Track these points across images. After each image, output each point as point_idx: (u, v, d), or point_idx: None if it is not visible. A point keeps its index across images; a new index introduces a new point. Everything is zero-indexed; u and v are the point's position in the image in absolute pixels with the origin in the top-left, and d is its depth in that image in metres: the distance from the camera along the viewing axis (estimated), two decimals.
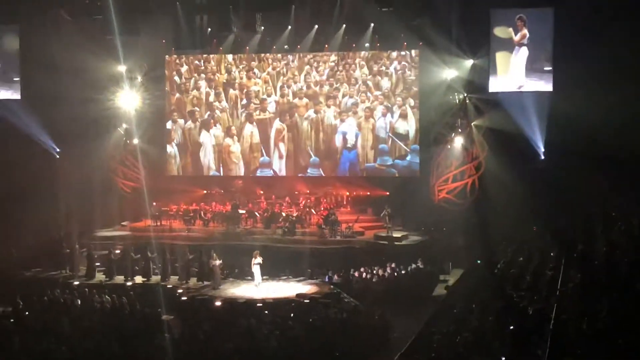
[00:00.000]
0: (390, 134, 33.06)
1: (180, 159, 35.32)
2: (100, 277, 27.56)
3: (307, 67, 33.89)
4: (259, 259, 25.88)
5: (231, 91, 34.67)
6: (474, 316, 17.66)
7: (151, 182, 33.24)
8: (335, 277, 26.63)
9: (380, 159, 33.46)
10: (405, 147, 32.98)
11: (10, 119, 32.31)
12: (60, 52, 31.26)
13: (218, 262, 26.11)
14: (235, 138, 34.66)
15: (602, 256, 21.23)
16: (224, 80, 34.69)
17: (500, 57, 30.13)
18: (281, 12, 33.20)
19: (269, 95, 34.31)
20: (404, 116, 32.94)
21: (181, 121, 35.17)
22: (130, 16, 31.77)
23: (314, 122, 33.97)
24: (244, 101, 34.57)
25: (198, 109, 34.99)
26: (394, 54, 33.03)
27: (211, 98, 34.86)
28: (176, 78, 35.16)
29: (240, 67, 34.56)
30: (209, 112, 34.88)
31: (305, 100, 33.95)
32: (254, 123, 34.51)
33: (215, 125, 34.84)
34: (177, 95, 35.19)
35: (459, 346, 15.59)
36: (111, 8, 30.52)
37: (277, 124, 34.32)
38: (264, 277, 26.18)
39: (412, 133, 32.98)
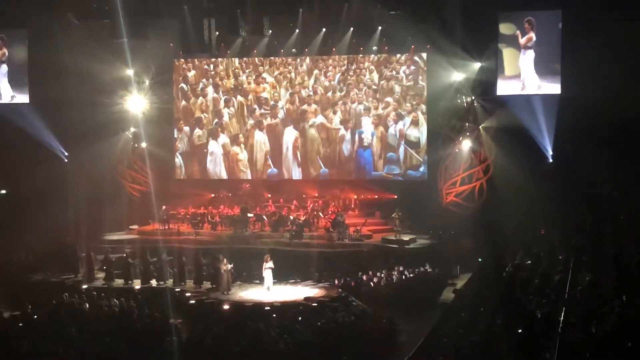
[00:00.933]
0: (403, 143, 32.96)
1: (186, 168, 35.40)
2: (116, 280, 27.65)
3: (316, 71, 33.89)
4: (270, 263, 25.79)
5: (239, 97, 34.69)
6: (481, 319, 17.61)
7: (159, 185, 33.28)
8: (343, 280, 26.61)
9: (387, 167, 33.40)
10: (418, 157, 32.85)
11: (19, 123, 32.41)
12: (68, 56, 31.35)
13: (229, 266, 26.08)
14: (243, 146, 34.67)
15: (610, 259, 21.16)
16: (232, 86, 34.69)
17: (507, 55, 30.05)
18: (289, 16, 33.19)
19: (276, 101, 34.31)
20: (415, 123, 32.85)
21: (187, 129, 35.20)
22: (138, 20, 31.78)
23: (323, 130, 33.95)
24: (255, 107, 34.50)
25: (206, 115, 35.01)
26: (405, 57, 32.97)
27: (219, 104, 34.87)
28: (183, 85, 35.17)
29: (247, 71, 34.54)
30: (216, 120, 34.89)
31: (314, 106, 33.95)
32: (264, 130, 34.54)
33: (222, 133, 34.85)
34: (184, 102, 35.19)
35: (467, 349, 15.55)
36: (119, 12, 30.56)
37: (291, 131, 34.26)
38: (273, 281, 26.15)
39: (423, 140, 32.86)
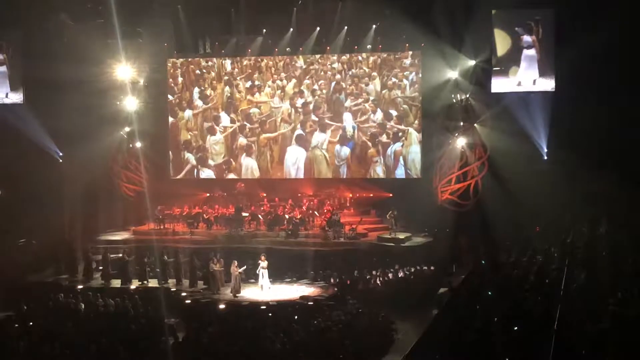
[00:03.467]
0: (402, 165, 33.05)
1: None
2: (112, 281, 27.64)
3: (307, 81, 33.82)
4: (264, 263, 25.79)
5: (231, 115, 34.59)
6: (477, 317, 17.64)
7: (154, 185, 33.26)
8: (339, 279, 26.62)
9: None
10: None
11: (13, 124, 32.36)
12: (62, 56, 31.28)
13: (240, 269, 25.97)
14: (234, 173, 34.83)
15: (606, 257, 21.23)
16: (223, 96, 34.59)
17: (501, 52, 30.12)
18: (283, 15, 33.17)
19: (265, 114, 34.26)
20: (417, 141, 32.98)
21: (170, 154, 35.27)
22: (132, 20, 31.79)
23: (322, 156, 33.92)
24: (246, 124, 34.42)
25: (192, 133, 34.93)
26: (407, 61, 32.89)
27: (209, 117, 34.82)
28: (170, 97, 35.08)
29: (240, 77, 34.39)
30: (206, 141, 34.82)
31: (313, 117, 33.90)
32: (253, 155, 34.40)
33: (211, 159, 34.87)
34: (171, 119, 35.13)
35: (463, 348, 15.57)
36: (113, 12, 30.50)
37: (298, 150, 34.06)
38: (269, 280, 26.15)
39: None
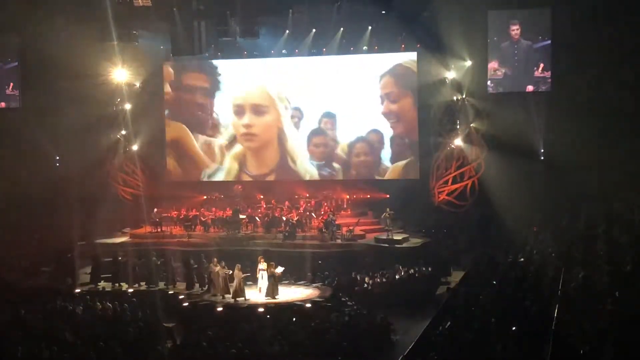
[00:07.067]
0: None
1: None
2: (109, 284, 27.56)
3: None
4: (264, 265, 25.64)
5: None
6: (476, 318, 17.66)
7: (151, 188, 33.24)
8: (337, 280, 26.60)
9: None
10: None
11: (10, 128, 32.32)
12: (59, 59, 31.28)
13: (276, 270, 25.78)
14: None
15: (604, 255, 21.26)
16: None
17: (497, 51, 30.20)
18: (279, 17, 33.16)
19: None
20: None
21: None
22: (128, 23, 31.73)
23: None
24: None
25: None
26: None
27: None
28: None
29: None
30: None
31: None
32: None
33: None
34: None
35: (462, 348, 15.59)
36: (109, 15, 30.49)
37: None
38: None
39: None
